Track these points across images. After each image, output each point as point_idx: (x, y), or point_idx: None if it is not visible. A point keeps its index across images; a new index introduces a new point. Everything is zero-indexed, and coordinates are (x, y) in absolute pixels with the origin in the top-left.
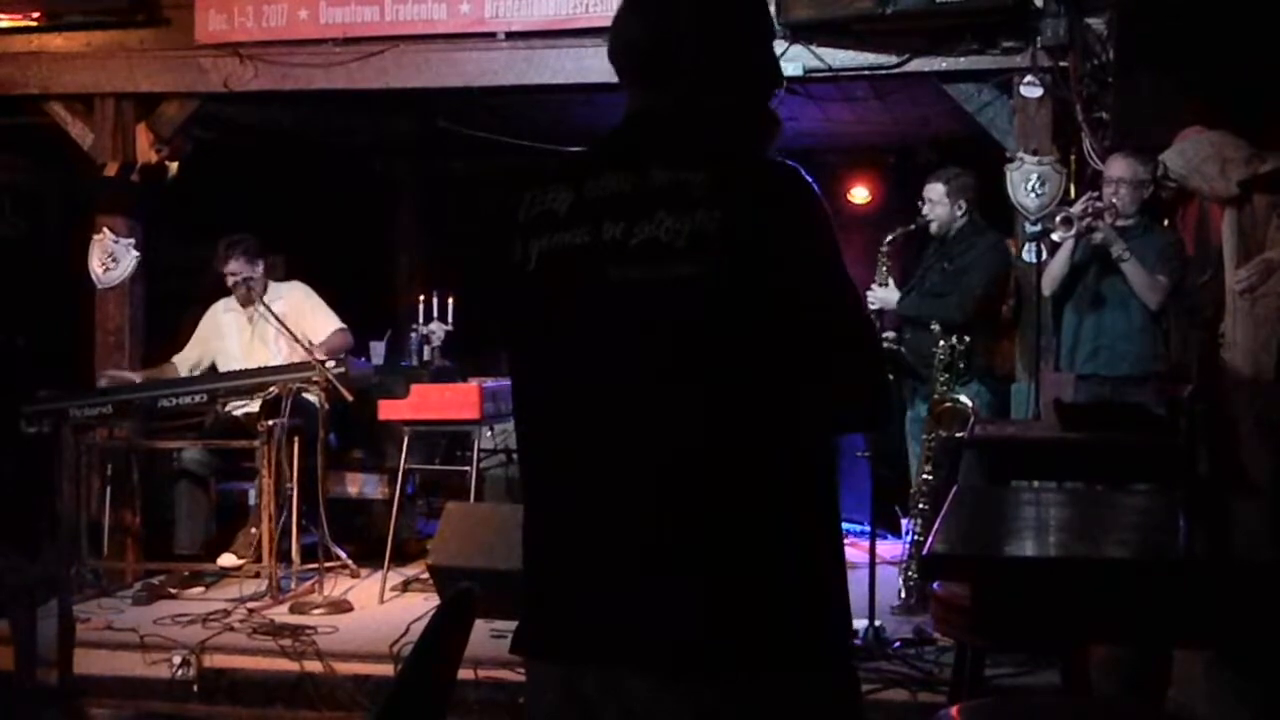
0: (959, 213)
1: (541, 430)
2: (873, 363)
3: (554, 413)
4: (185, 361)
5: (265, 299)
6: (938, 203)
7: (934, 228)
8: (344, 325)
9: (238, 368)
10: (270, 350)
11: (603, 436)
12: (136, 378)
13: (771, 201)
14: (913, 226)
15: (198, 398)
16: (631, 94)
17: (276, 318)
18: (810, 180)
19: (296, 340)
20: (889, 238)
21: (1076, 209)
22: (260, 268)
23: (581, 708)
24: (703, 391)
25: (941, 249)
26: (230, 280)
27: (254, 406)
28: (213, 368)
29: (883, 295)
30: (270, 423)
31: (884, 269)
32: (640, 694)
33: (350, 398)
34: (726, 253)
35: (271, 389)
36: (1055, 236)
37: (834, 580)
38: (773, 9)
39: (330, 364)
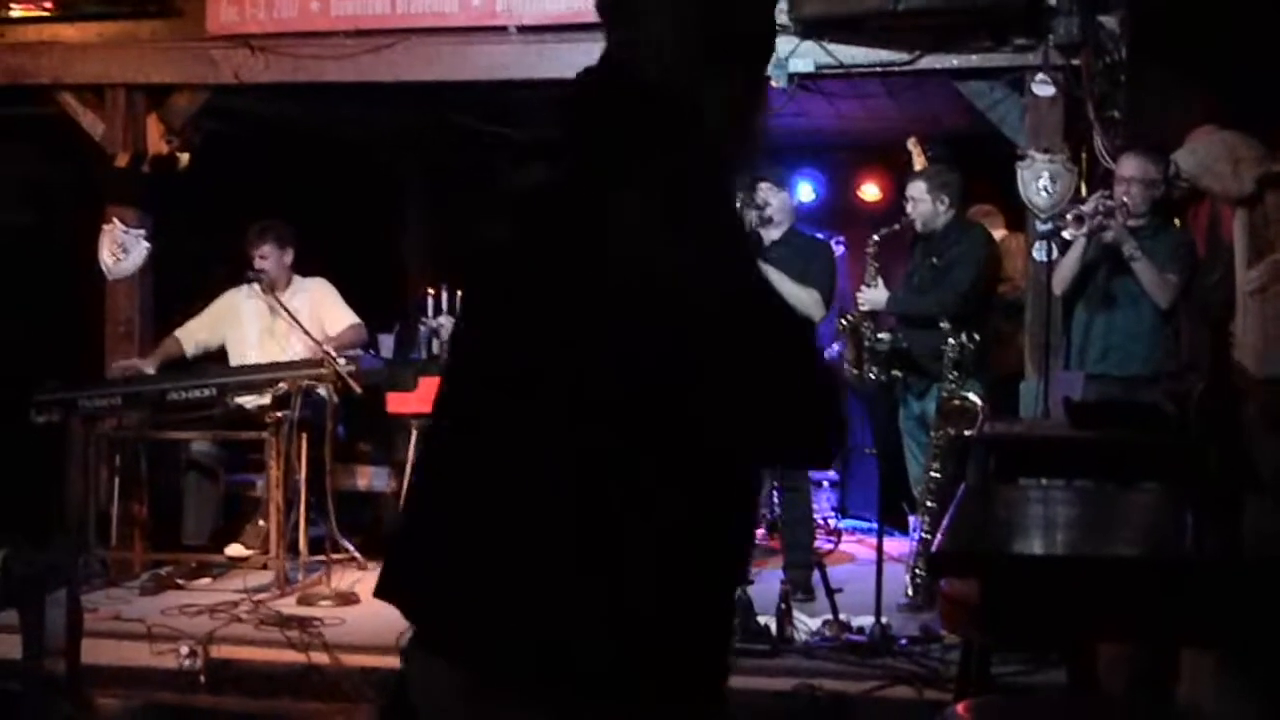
0: (942, 209)
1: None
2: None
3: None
4: (192, 338)
5: (289, 290)
6: (920, 200)
7: (918, 225)
8: (359, 321)
9: (251, 356)
10: (285, 343)
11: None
12: (149, 368)
13: (627, 178)
14: (896, 226)
15: (207, 392)
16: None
17: (288, 312)
18: (694, 179)
19: (310, 335)
20: (874, 238)
21: (1088, 207)
22: (289, 255)
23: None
24: (535, 414)
25: (928, 246)
26: (259, 264)
27: (264, 400)
28: (221, 351)
29: (871, 296)
30: (279, 415)
31: (873, 269)
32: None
33: (359, 392)
34: (558, 222)
35: (281, 385)
36: (1067, 234)
37: (697, 616)
38: (785, 5)
39: (341, 360)
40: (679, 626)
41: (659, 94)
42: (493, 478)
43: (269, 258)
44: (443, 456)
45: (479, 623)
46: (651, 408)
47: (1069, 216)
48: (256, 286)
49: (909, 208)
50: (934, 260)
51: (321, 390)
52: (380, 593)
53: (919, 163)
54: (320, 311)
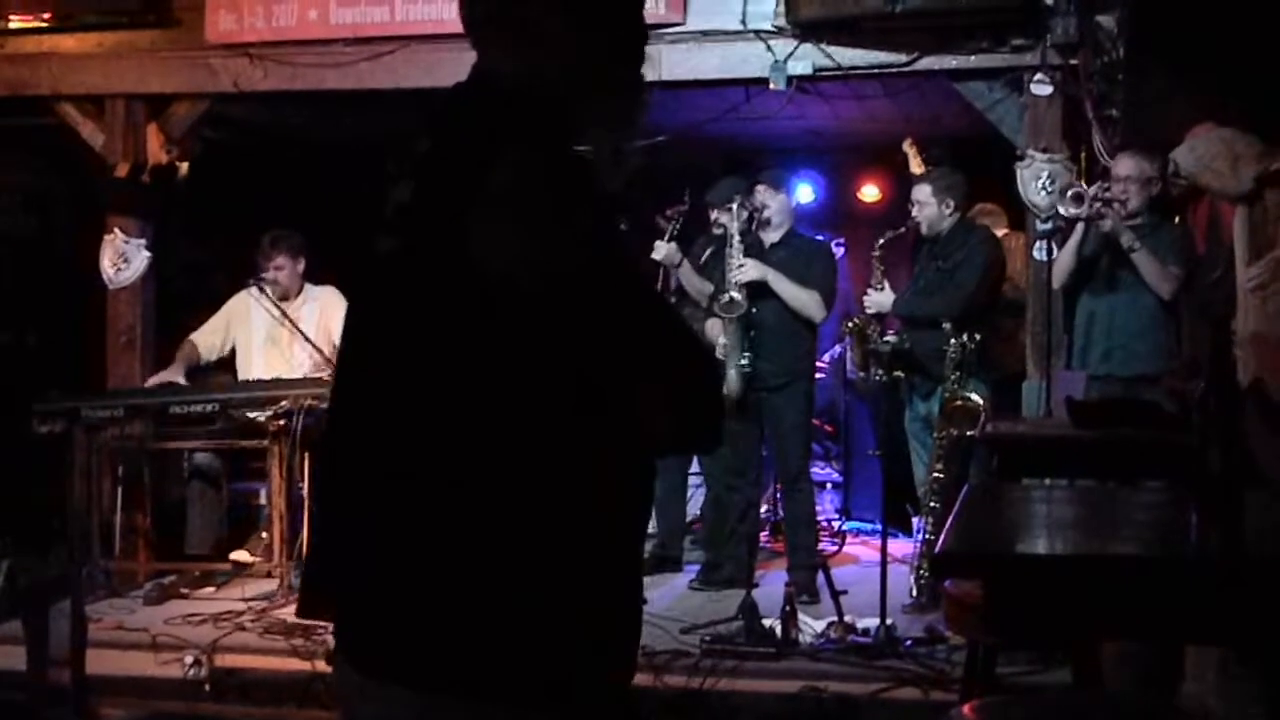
0: (947, 212)
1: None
2: (664, 378)
3: (334, 388)
4: (206, 342)
5: (300, 298)
6: (925, 203)
7: (924, 228)
8: None
9: (257, 361)
10: (288, 352)
11: (345, 437)
12: (179, 377)
13: (481, 180)
14: (902, 229)
15: (210, 407)
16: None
17: (293, 323)
18: (547, 158)
19: (315, 347)
20: (879, 242)
21: (1090, 190)
22: (302, 264)
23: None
24: (408, 391)
25: (934, 249)
26: (273, 274)
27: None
28: (233, 353)
29: (878, 299)
30: (281, 422)
31: (878, 272)
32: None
33: None
34: (419, 230)
35: (284, 402)
36: (1064, 211)
37: (589, 610)
38: (782, 7)
39: None
40: (594, 625)
41: (520, 96)
42: (400, 492)
43: (284, 268)
44: (349, 473)
45: (415, 639)
46: (536, 392)
47: (1069, 193)
48: (263, 294)
49: (914, 210)
50: (939, 263)
51: (323, 406)
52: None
53: (915, 164)
54: (329, 321)
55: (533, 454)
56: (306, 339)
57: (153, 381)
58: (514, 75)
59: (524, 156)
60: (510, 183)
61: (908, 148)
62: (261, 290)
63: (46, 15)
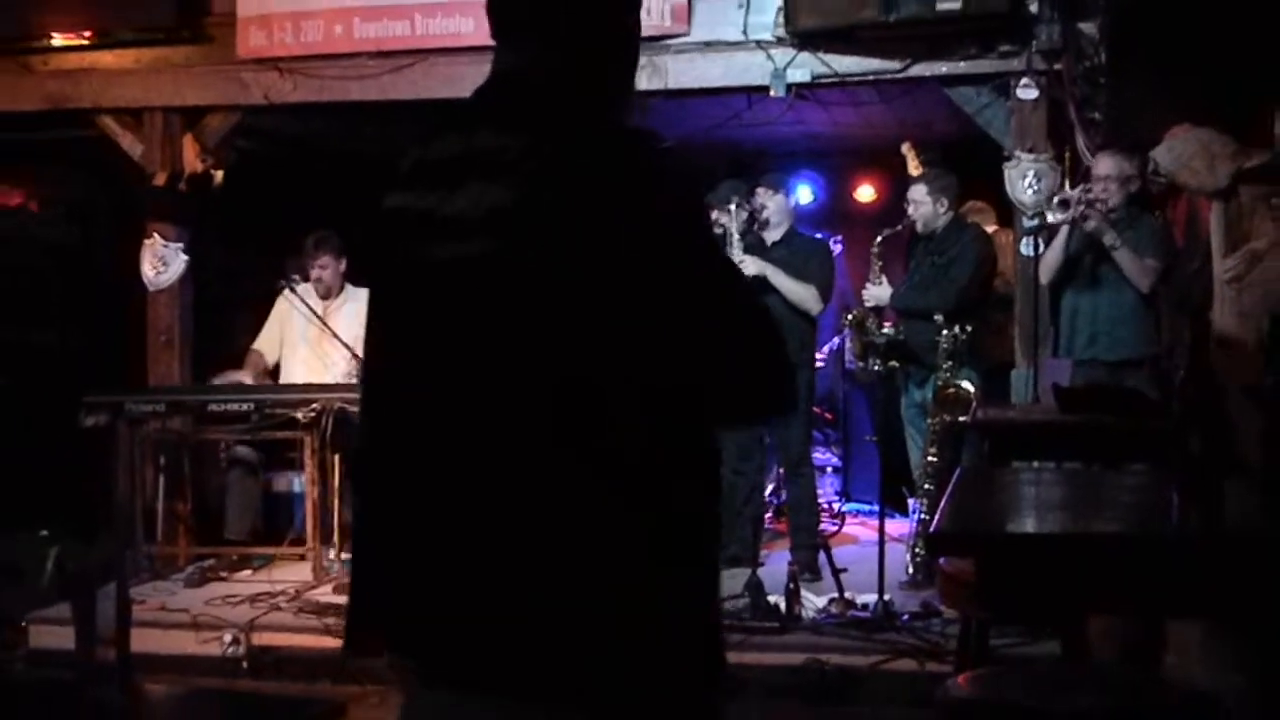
0: (941, 210)
1: (373, 417)
2: (755, 351)
3: (381, 400)
4: (268, 349)
5: (341, 297)
6: (920, 203)
7: (919, 226)
8: None
9: (299, 359)
10: (319, 350)
11: (426, 433)
12: (248, 379)
13: (593, 174)
14: (899, 227)
15: (245, 406)
16: (496, 51)
17: (320, 320)
18: (662, 155)
19: (349, 348)
20: (878, 239)
21: (1073, 194)
22: (343, 264)
23: None
24: (522, 390)
25: (929, 245)
26: (316, 273)
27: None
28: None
29: (876, 293)
30: (313, 413)
31: (877, 268)
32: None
33: None
34: (524, 229)
35: (315, 405)
36: (1052, 218)
37: (696, 602)
38: (781, 18)
39: None
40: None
41: (575, 95)
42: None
43: (327, 267)
44: (438, 489)
45: (509, 647)
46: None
47: (1054, 201)
48: (294, 294)
49: (910, 209)
50: (934, 259)
51: (352, 408)
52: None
53: (913, 166)
54: (364, 322)
55: (647, 455)
56: (339, 339)
57: (222, 378)
58: (549, 73)
59: (658, 160)
60: (668, 187)
61: (906, 150)
62: (293, 290)
63: (87, 33)
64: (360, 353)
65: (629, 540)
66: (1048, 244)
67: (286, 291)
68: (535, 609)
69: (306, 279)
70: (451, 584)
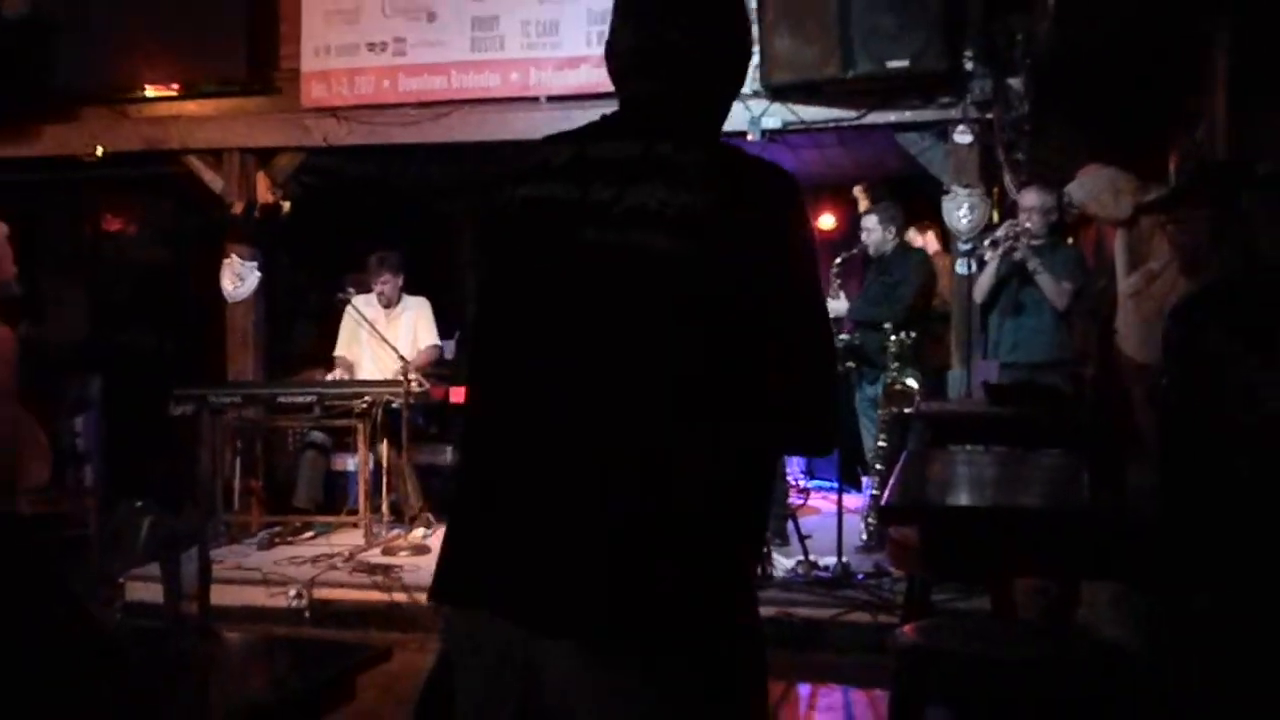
0: (890, 236)
1: (494, 382)
2: (829, 393)
3: (508, 367)
4: (347, 351)
5: (400, 306)
6: (873, 230)
7: (871, 250)
8: (439, 343)
9: (364, 359)
10: (375, 351)
11: (555, 397)
12: (345, 375)
13: (765, 201)
14: (854, 250)
15: (309, 399)
16: (626, 86)
17: (370, 326)
18: (795, 183)
19: (398, 354)
20: (837, 260)
21: (1001, 233)
22: (401, 279)
23: (514, 673)
24: (660, 368)
25: (879, 266)
26: (378, 288)
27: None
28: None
29: (835, 306)
30: (366, 404)
31: (835, 285)
32: (572, 665)
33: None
34: (711, 236)
35: (367, 398)
36: (986, 257)
37: (751, 563)
38: (758, 74)
39: (414, 381)
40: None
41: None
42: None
43: (389, 281)
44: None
45: (607, 596)
46: (737, 364)
47: (987, 242)
48: (375, 299)
49: (864, 235)
50: (884, 278)
51: (396, 403)
52: (469, 594)
53: (863, 203)
54: (418, 327)
55: (733, 452)
56: (389, 344)
57: (327, 376)
58: (686, 99)
59: (789, 179)
60: (798, 206)
61: (859, 192)
62: (348, 301)
63: (175, 86)
64: (411, 351)
65: (720, 510)
66: (980, 265)
67: (350, 306)
68: (640, 561)
69: (360, 292)
70: (557, 540)
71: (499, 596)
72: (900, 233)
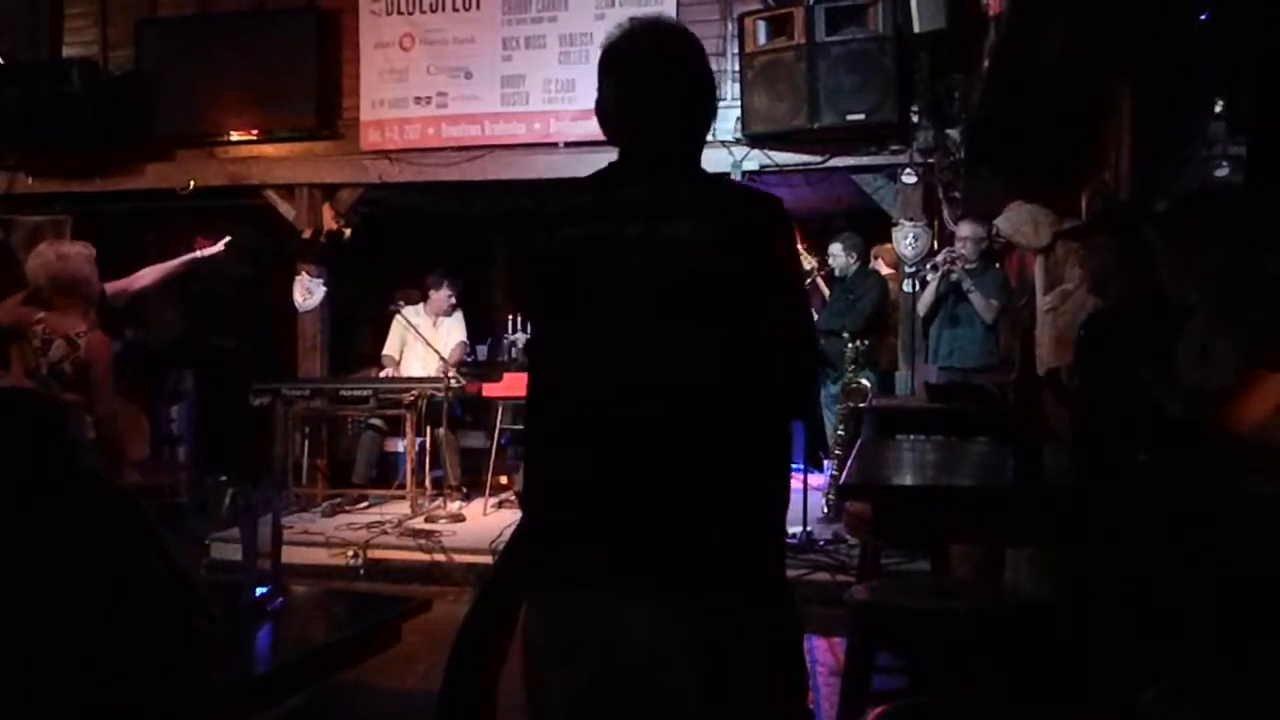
0: (852, 260)
1: (562, 393)
2: (813, 368)
3: (576, 374)
4: (393, 352)
5: (451, 317)
6: (838, 255)
7: (836, 272)
8: (465, 341)
9: (411, 360)
10: (418, 351)
11: (620, 395)
12: (392, 371)
13: (766, 226)
14: (823, 272)
15: (365, 392)
16: (621, 138)
17: (415, 331)
18: (781, 206)
19: (438, 354)
20: (807, 281)
21: (940, 259)
22: (450, 294)
23: (597, 638)
24: (701, 361)
25: (843, 285)
26: (434, 299)
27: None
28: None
29: None
30: (412, 397)
31: None
32: (652, 618)
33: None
34: (729, 256)
35: (413, 391)
36: (928, 278)
37: (784, 528)
38: (738, 124)
39: (453, 377)
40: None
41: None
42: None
43: (447, 295)
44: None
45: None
46: (757, 353)
47: (929, 265)
48: (424, 308)
49: (830, 259)
50: (847, 295)
51: (438, 396)
52: (572, 569)
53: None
54: (454, 330)
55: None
56: (433, 348)
57: (383, 373)
58: (686, 151)
59: (776, 202)
60: (789, 228)
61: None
62: (398, 311)
63: (255, 131)
64: (450, 357)
65: (758, 485)
66: (923, 286)
67: (399, 316)
68: (709, 528)
69: (411, 303)
70: (639, 517)
71: (593, 571)
72: (862, 257)
